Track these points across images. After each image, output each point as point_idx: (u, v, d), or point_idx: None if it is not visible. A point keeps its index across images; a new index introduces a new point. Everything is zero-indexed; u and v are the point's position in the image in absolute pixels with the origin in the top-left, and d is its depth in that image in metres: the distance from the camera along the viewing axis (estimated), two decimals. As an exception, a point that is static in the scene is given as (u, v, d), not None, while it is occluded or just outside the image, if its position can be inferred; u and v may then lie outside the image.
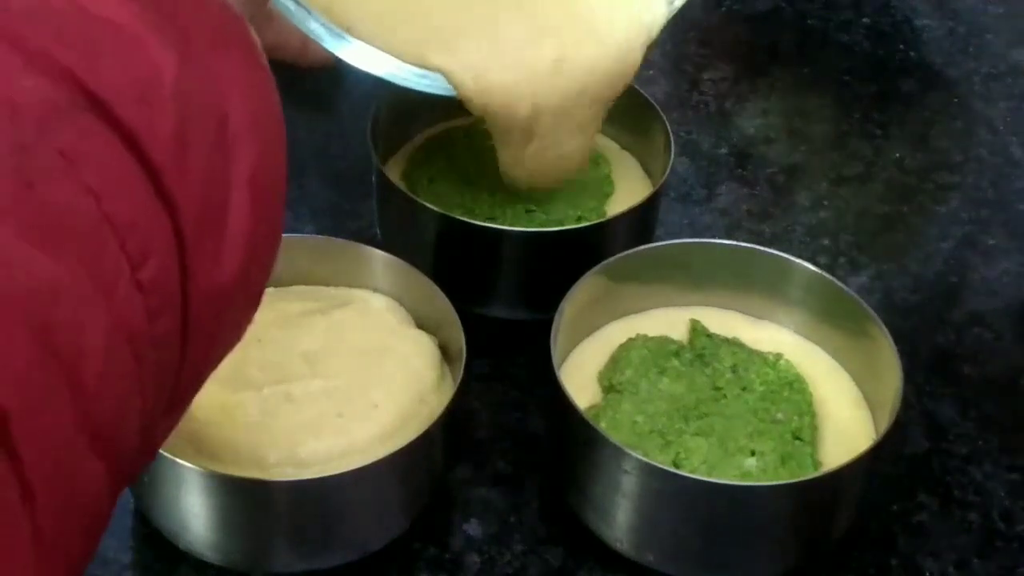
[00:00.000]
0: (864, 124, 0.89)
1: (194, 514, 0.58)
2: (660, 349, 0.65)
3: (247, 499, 0.58)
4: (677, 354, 0.65)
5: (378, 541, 0.61)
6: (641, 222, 0.73)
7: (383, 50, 0.65)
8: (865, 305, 0.65)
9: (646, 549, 0.60)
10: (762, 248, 0.69)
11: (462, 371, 0.61)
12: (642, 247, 0.69)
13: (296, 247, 0.67)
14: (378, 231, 0.75)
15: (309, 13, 0.64)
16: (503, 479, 0.65)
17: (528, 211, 0.72)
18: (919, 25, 0.98)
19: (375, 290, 0.67)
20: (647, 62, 0.90)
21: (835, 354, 0.67)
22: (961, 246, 0.80)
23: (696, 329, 0.67)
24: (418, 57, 0.65)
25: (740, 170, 0.85)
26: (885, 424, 0.60)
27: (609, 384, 0.64)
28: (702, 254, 0.68)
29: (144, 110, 0.35)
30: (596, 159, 0.75)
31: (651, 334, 0.66)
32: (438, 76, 0.65)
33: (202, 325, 0.38)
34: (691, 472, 0.59)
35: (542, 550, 0.63)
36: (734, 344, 0.66)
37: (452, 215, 0.69)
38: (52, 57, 0.35)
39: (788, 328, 0.68)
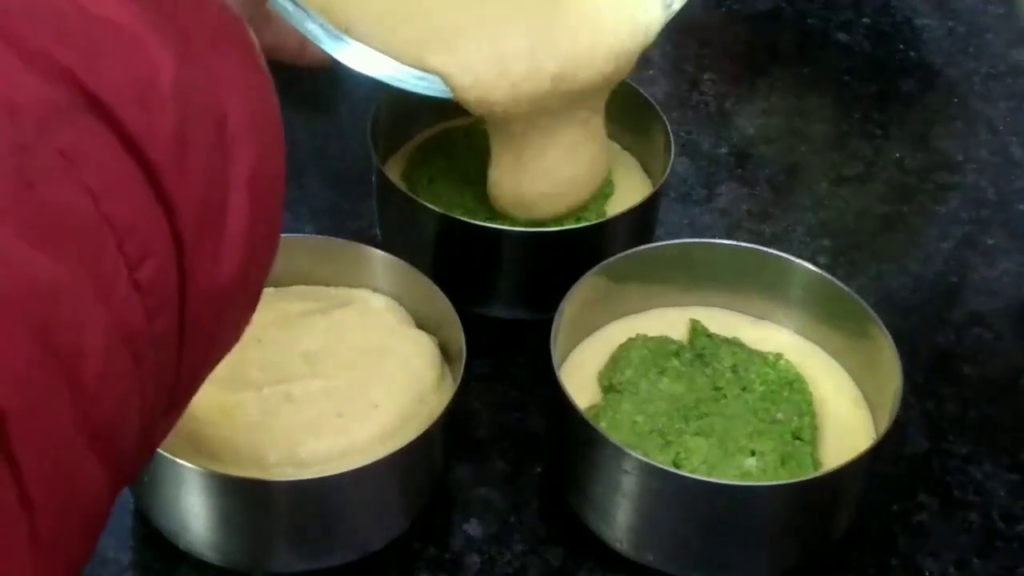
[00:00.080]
0: (864, 124, 0.89)
1: (194, 514, 0.58)
2: (660, 349, 0.65)
3: (247, 499, 0.58)
4: (677, 354, 0.65)
5: (378, 541, 0.61)
6: (641, 222, 0.73)
7: (381, 51, 0.65)
8: (865, 305, 0.65)
9: (646, 549, 0.60)
10: (762, 248, 0.69)
11: (462, 371, 0.61)
12: (642, 247, 0.69)
13: (296, 247, 0.67)
14: (378, 231, 0.75)
15: (307, 14, 0.64)
16: (503, 479, 0.65)
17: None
18: (919, 25, 0.98)
19: (375, 290, 0.67)
20: (647, 62, 0.90)
21: (835, 354, 0.67)
22: (961, 246, 0.80)
23: (696, 329, 0.67)
24: (416, 59, 0.65)
25: (740, 170, 0.85)
26: (885, 424, 0.60)
27: (609, 384, 0.64)
28: (702, 254, 0.68)
29: (143, 111, 0.36)
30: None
31: (651, 334, 0.66)
32: (436, 78, 0.65)
33: (201, 325, 0.38)
34: (691, 472, 0.59)
35: (542, 550, 0.63)
36: (734, 344, 0.66)
37: (452, 215, 0.69)
38: (52, 57, 0.35)
39: (788, 328, 0.68)
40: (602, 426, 0.60)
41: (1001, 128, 0.89)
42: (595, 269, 0.66)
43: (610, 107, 0.72)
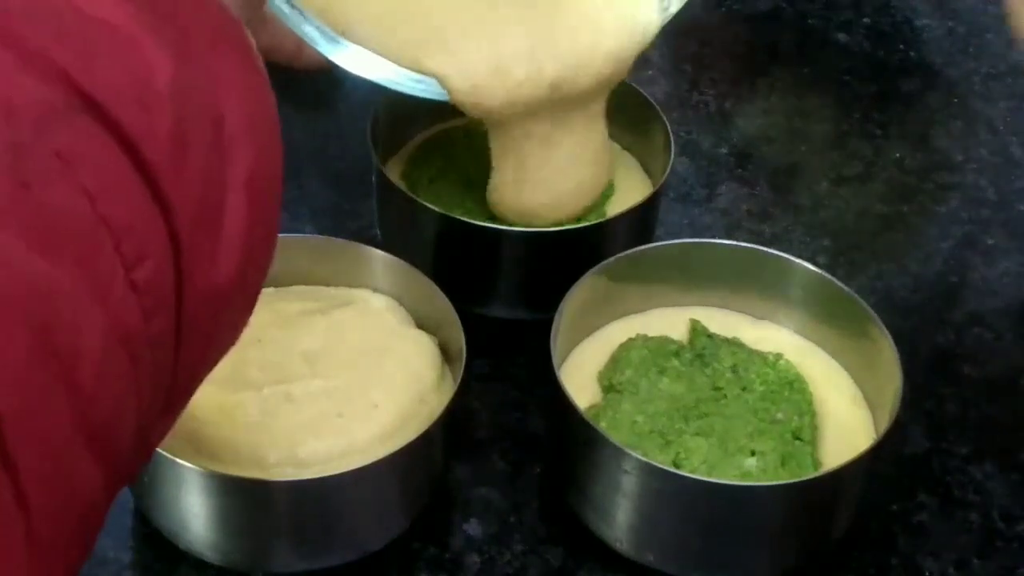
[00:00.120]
0: (864, 124, 0.89)
1: (194, 514, 0.58)
2: (660, 349, 0.65)
3: (247, 499, 0.58)
4: (677, 354, 0.65)
5: (378, 541, 0.61)
6: (641, 222, 0.73)
7: (378, 54, 0.65)
8: (865, 305, 0.65)
9: (646, 549, 0.60)
10: (762, 248, 0.69)
11: (462, 371, 0.61)
12: (642, 247, 0.69)
13: (296, 247, 0.67)
14: (378, 231, 0.75)
15: (304, 17, 0.64)
16: (503, 479, 0.65)
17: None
18: (919, 25, 0.98)
19: (375, 290, 0.67)
20: (647, 62, 0.90)
21: (835, 354, 0.67)
22: (961, 246, 0.80)
23: (696, 329, 0.67)
24: (413, 61, 0.65)
25: (740, 170, 0.85)
26: (885, 424, 0.60)
27: (609, 384, 0.64)
28: (702, 254, 0.68)
29: (140, 111, 0.36)
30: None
31: (651, 334, 0.66)
32: (433, 81, 0.65)
33: (198, 326, 0.38)
34: (691, 472, 0.59)
35: (542, 550, 0.63)
36: (734, 344, 0.66)
37: (452, 215, 0.69)
38: (48, 58, 0.35)
39: (788, 328, 0.68)
40: (602, 426, 0.60)
41: (1001, 128, 0.89)
42: (595, 269, 0.66)
43: (610, 107, 0.72)
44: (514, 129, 0.68)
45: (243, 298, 0.41)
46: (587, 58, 0.66)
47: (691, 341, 0.66)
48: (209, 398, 0.59)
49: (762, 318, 0.69)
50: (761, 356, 0.65)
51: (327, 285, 0.68)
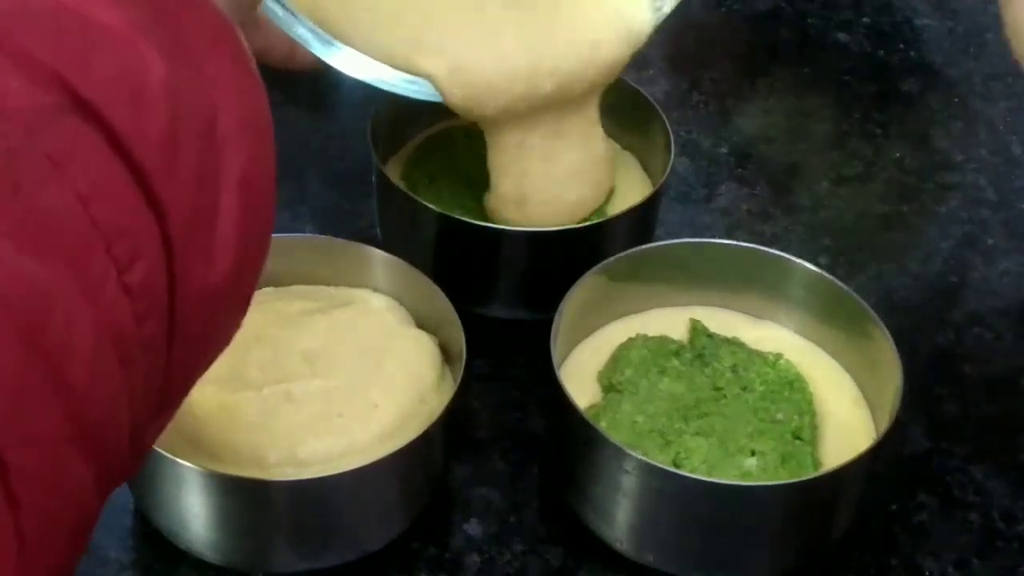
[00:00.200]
0: (864, 124, 0.89)
1: (194, 514, 0.58)
2: (660, 349, 0.65)
3: (247, 499, 0.58)
4: (677, 354, 0.65)
5: (378, 541, 0.61)
6: (641, 222, 0.73)
7: (371, 55, 0.65)
8: (865, 305, 0.65)
9: (646, 549, 0.60)
10: (762, 248, 0.69)
11: (462, 371, 0.61)
12: (642, 247, 0.69)
13: (296, 247, 0.67)
14: (378, 231, 0.75)
15: (297, 18, 0.63)
16: (503, 479, 0.65)
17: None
18: (919, 25, 0.98)
19: (375, 290, 0.67)
20: (647, 62, 0.90)
21: (835, 354, 0.67)
22: (961, 246, 0.80)
23: (696, 329, 0.67)
24: (406, 62, 0.65)
25: (740, 170, 0.85)
26: (885, 424, 0.60)
27: (609, 384, 0.64)
28: (702, 254, 0.68)
29: (133, 113, 0.36)
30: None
31: (651, 334, 0.66)
32: (426, 82, 0.65)
33: (192, 327, 0.38)
34: (691, 472, 0.59)
35: (542, 550, 0.63)
36: (734, 344, 0.66)
37: (452, 215, 0.69)
38: (40, 60, 0.35)
39: (788, 328, 0.68)
40: (602, 426, 0.60)
41: (1001, 128, 0.89)
42: (595, 269, 0.66)
43: (610, 107, 0.72)
44: (509, 138, 0.68)
45: (237, 299, 0.41)
46: (580, 57, 0.66)
47: (691, 341, 0.66)
48: (209, 398, 0.59)
49: (762, 318, 0.69)
50: (761, 356, 0.65)
51: (327, 285, 0.68)
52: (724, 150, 0.86)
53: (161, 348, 0.37)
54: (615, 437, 0.59)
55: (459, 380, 0.61)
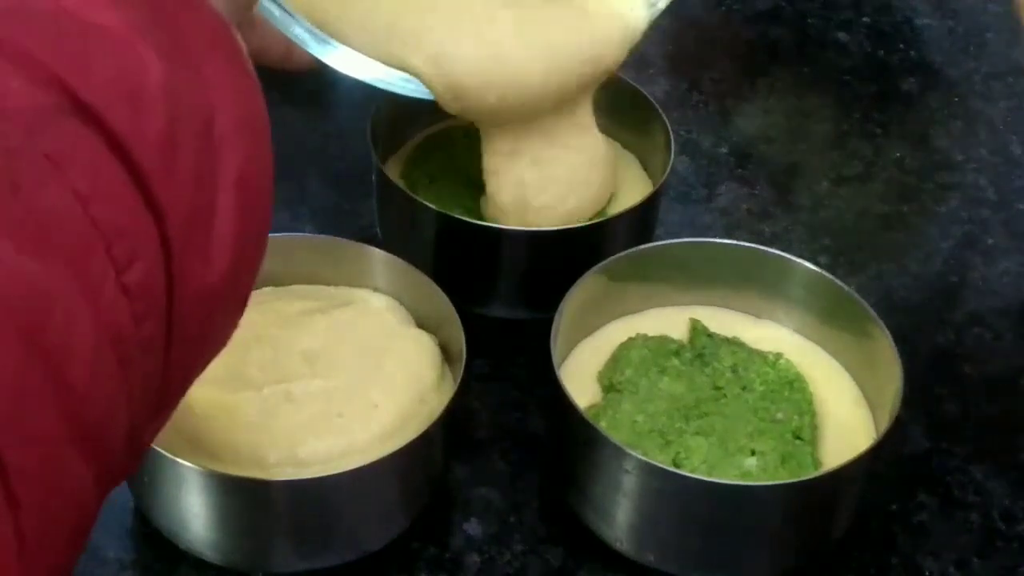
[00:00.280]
0: (864, 124, 0.89)
1: (194, 514, 0.58)
2: (660, 349, 0.65)
3: (247, 499, 0.58)
4: (677, 353, 0.65)
5: (378, 541, 0.61)
6: (641, 222, 0.73)
7: (367, 54, 0.65)
8: (865, 305, 0.65)
9: (646, 549, 0.60)
10: (762, 248, 0.69)
11: (462, 371, 0.61)
12: (642, 247, 0.69)
13: (296, 247, 0.67)
14: (378, 231, 0.75)
15: (293, 18, 0.63)
16: (503, 479, 0.65)
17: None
18: (919, 25, 0.98)
19: (375, 290, 0.67)
20: (647, 62, 0.90)
21: (835, 354, 0.67)
22: (961, 246, 0.80)
23: (696, 328, 0.67)
24: (400, 60, 0.65)
25: (740, 170, 0.85)
26: (885, 424, 0.60)
27: (609, 384, 0.64)
28: (702, 254, 0.68)
29: (131, 113, 0.36)
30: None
31: (651, 334, 0.66)
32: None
33: (190, 327, 0.38)
34: (691, 472, 0.59)
35: (542, 550, 0.63)
36: (734, 343, 0.66)
37: (452, 215, 0.69)
38: (39, 61, 0.35)
39: (788, 328, 0.68)
40: (602, 426, 0.60)
41: (1001, 128, 0.89)
42: (595, 269, 0.66)
43: (610, 107, 0.72)
44: (503, 144, 0.68)
45: (234, 298, 0.41)
46: (574, 54, 0.66)
47: (691, 341, 0.66)
48: (209, 398, 0.59)
49: (762, 317, 0.69)
50: (761, 356, 0.65)
51: (327, 285, 0.68)
52: (724, 150, 0.86)
53: (159, 348, 0.37)
54: (615, 437, 0.59)
55: (459, 380, 0.61)
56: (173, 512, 0.59)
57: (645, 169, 0.77)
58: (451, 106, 0.66)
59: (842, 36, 0.96)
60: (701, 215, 0.81)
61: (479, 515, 0.64)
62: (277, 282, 0.67)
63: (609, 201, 0.73)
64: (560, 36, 0.66)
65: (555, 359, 0.61)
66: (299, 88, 0.79)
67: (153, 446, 0.52)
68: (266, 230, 0.42)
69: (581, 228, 0.70)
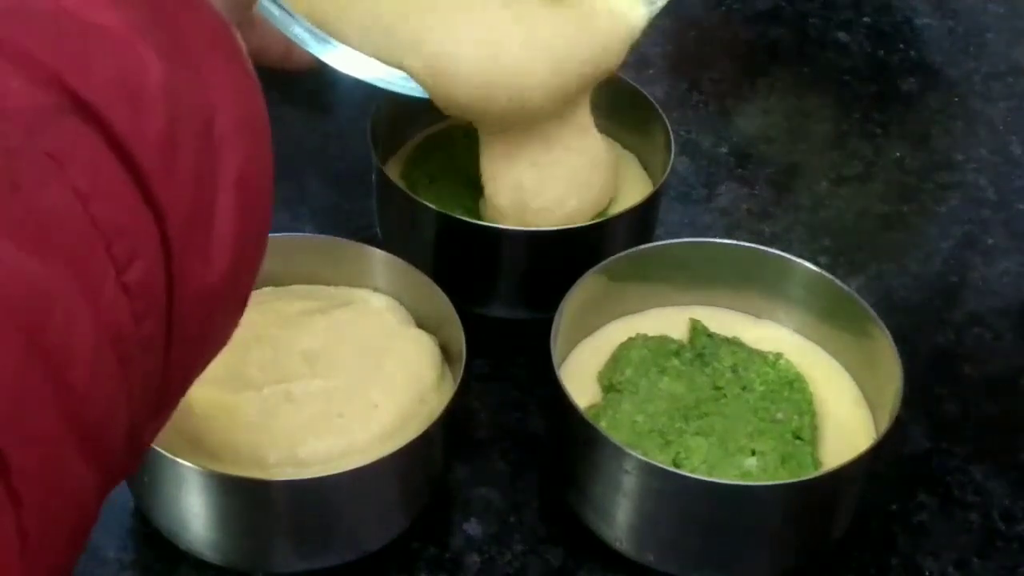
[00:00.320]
0: (864, 124, 0.89)
1: (194, 514, 0.58)
2: (660, 349, 0.65)
3: (247, 499, 0.58)
4: (677, 354, 0.65)
5: (378, 541, 0.61)
6: (641, 222, 0.73)
7: (366, 53, 0.65)
8: (865, 305, 0.65)
9: (646, 549, 0.60)
10: (762, 248, 0.69)
11: (462, 371, 0.61)
12: (642, 247, 0.69)
13: (296, 247, 0.67)
14: (378, 231, 0.75)
15: (293, 18, 0.63)
16: (503, 479, 0.65)
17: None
18: (919, 25, 0.98)
19: (375, 290, 0.67)
20: (647, 62, 0.90)
21: (835, 354, 0.67)
22: (961, 246, 0.80)
23: (696, 328, 0.67)
24: (398, 60, 0.65)
25: (740, 170, 0.85)
26: (885, 424, 0.60)
27: (609, 384, 0.64)
28: (702, 254, 0.68)
29: (131, 113, 0.36)
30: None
31: (651, 334, 0.66)
32: None
33: (190, 326, 0.38)
34: (691, 472, 0.59)
35: (542, 550, 0.63)
36: (734, 344, 0.66)
37: (452, 215, 0.69)
38: (39, 61, 0.35)
39: (788, 327, 0.68)
40: (602, 426, 0.60)
41: (1001, 128, 0.89)
42: (595, 269, 0.66)
43: (610, 107, 0.72)
44: (501, 148, 0.68)
45: (234, 298, 0.42)
46: (575, 55, 0.66)
47: (691, 341, 0.66)
48: (209, 398, 0.59)
49: (762, 317, 0.69)
50: (761, 356, 0.65)
51: (327, 285, 0.68)
52: (724, 150, 0.86)
53: (160, 348, 0.37)
54: (615, 437, 0.59)
55: (459, 380, 0.61)
56: (173, 512, 0.59)
57: (645, 169, 0.77)
58: (450, 109, 0.65)
59: (842, 36, 0.96)
60: (701, 215, 0.81)
61: (479, 515, 0.64)
62: (277, 282, 0.67)
63: (609, 202, 0.74)
64: (560, 37, 0.66)
65: (555, 359, 0.61)
66: (299, 88, 0.79)
67: (153, 446, 0.52)
68: (266, 230, 0.42)
69: (581, 228, 0.70)
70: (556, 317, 0.63)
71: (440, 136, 0.77)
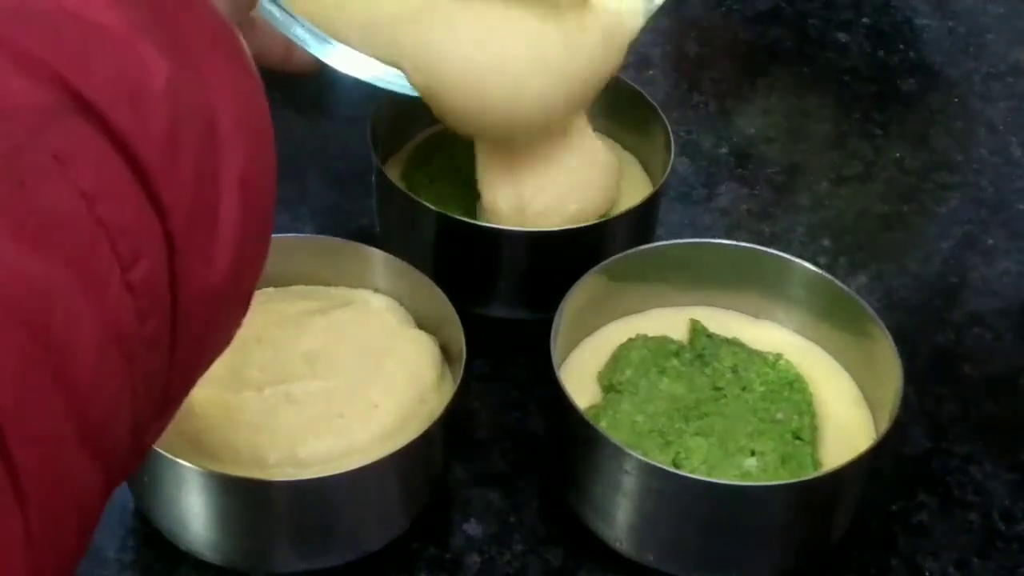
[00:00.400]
0: (864, 124, 0.89)
1: (194, 514, 0.58)
2: (660, 349, 0.65)
3: (247, 499, 0.58)
4: (677, 354, 0.65)
5: (378, 541, 0.61)
6: (641, 222, 0.73)
7: (365, 53, 0.65)
8: (865, 305, 0.65)
9: (646, 549, 0.60)
10: (762, 248, 0.69)
11: (462, 371, 0.61)
12: (642, 247, 0.69)
13: (296, 247, 0.67)
14: (378, 231, 0.75)
15: (294, 19, 0.63)
16: (503, 479, 0.65)
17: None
18: (919, 25, 0.98)
19: (375, 290, 0.67)
20: (647, 62, 0.91)
21: (835, 354, 0.67)
22: (961, 246, 0.80)
23: (696, 329, 0.67)
24: (395, 60, 0.65)
25: (740, 170, 0.85)
26: (885, 424, 0.60)
27: (609, 384, 0.64)
28: (702, 254, 0.68)
29: (134, 112, 0.36)
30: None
31: (651, 334, 0.66)
32: None
33: (193, 326, 0.38)
34: (691, 472, 0.59)
35: (542, 550, 0.63)
36: (734, 344, 0.66)
37: (452, 215, 0.69)
38: (42, 60, 0.35)
39: (788, 328, 0.68)
40: (602, 426, 0.60)
41: (1001, 128, 0.89)
42: (595, 269, 0.66)
43: (610, 107, 0.72)
44: (497, 156, 0.68)
45: (237, 298, 0.42)
46: (568, 53, 0.66)
47: (691, 341, 0.66)
48: (210, 398, 0.59)
49: (762, 318, 0.69)
50: (761, 356, 0.65)
51: (327, 285, 0.68)
52: (724, 150, 0.86)
53: (164, 347, 0.37)
54: (615, 437, 0.59)
55: (459, 380, 0.61)
56: (173, 512, 0.59)
57: (645, 169, 0.77)
58: (445, 118, 0.65)
59: (842, 36, 0.96)
60: (701, 215, 0.81)
61: (479, 515, 0.64)
62: (277, 282, 0.67)
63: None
64: (553, 36, 0.66)
65: (555, 359, 0.61)
66: (300, 89, 0.79)
67: (153, 446, 0.52)
68: (269, 230, 0.42)
69: (581, 228, 0.70)
70: (556, 317, 0.63)
71: (440, 136, 0.77)
